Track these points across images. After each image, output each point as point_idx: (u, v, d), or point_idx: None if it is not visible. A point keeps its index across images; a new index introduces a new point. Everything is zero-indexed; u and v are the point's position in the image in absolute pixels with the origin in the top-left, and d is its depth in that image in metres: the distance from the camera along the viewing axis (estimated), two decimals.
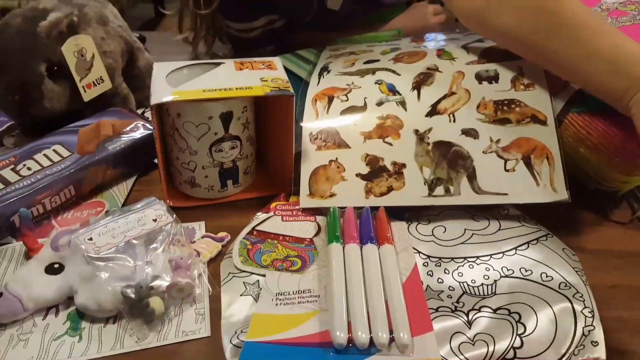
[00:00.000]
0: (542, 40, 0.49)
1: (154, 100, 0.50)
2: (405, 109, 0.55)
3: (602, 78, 0.45)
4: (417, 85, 0.57)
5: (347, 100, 0.58)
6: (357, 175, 0.53)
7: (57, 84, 0.65)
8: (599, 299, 0.39)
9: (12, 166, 0.55)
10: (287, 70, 0.59)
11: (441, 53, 0.61)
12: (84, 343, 0.40)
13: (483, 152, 0.51)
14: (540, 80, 0.53)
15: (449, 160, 0.51)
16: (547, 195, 0.48)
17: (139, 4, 2.69)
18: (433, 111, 0.54)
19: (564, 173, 0.48)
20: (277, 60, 0.59)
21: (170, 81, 0.53)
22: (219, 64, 0.58)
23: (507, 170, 0.50)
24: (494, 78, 0.55)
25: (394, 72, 0.60)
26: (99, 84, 0.68)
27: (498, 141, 0.51)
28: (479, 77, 0.55)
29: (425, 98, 0.56)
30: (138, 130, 0.63)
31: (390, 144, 0.54)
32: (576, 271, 0.42)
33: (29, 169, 0.54)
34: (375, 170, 0.52)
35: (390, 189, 0.51)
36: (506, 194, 0.49)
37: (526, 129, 0.51)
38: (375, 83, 0.59)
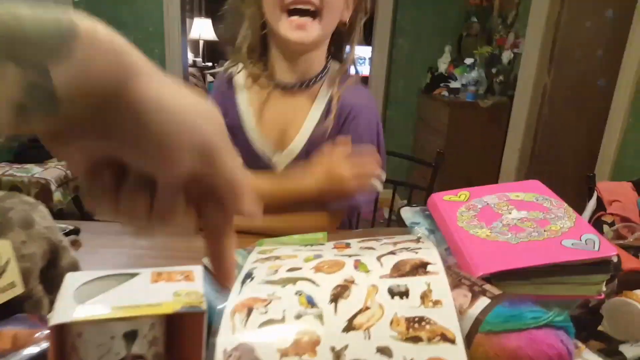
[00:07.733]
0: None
1: (54, 320, 0.48)
2: (322, 323, 0.55)
3: None
4: (335, 298, 0.58)
5: (267, 312, 0.58)
6: None
7: None
8: None
9: None
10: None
11: (358, 264, 0.64)
12: None
13: None
14: (446, 297, 0.56)
15: None
16: None
17: None
18: (349, 326, 0.55)
19: None
20: (197, 270, 0.60)
21: (79, 295, 0.52)
22: (135, 274, 0.57)
23: None
24: (404, 293, 0.58)
25: (313, 282, 0.61)
26: (9, 289, 0.65)
27: None
28: (391, 292, 0.58)
29: (341, 312, 0.56)
30: (41, 343, 0.59)
31: None
32: None
33: None
34: None
35: None
36: None
37: (437, 348, 0.52)
38: (296, 294, 0.60)
